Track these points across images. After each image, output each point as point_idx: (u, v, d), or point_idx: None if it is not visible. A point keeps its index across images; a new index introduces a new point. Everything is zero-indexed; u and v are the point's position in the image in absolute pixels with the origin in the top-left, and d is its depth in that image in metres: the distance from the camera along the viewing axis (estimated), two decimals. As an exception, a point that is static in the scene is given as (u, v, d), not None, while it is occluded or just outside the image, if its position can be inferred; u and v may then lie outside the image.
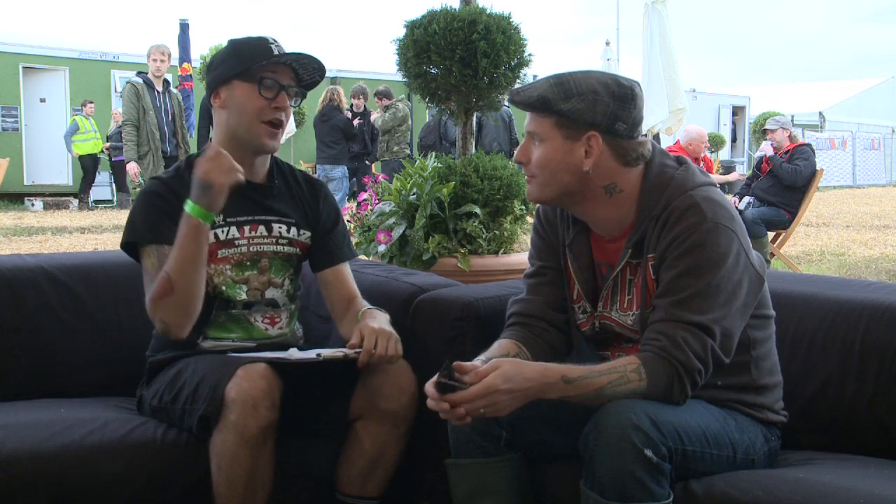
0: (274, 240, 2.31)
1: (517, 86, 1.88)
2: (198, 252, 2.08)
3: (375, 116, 10.53)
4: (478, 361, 1.82)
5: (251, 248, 2.28)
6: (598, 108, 1.81)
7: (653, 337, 1.79)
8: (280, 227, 2.32)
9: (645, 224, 1.87)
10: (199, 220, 2.05)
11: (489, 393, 1.68)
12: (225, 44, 2.30)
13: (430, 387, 1.74)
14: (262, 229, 2.29)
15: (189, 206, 2.05)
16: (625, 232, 1.92)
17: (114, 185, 16.96)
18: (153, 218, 2.18)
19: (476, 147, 4.45)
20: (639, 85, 1.86)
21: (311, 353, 2.10)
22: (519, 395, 1.71)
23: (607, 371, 1.75)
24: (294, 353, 2.12)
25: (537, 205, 2.09)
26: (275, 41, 2.22)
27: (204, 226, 2.07)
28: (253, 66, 2.18)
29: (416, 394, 2.15)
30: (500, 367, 1.71)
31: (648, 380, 1.75)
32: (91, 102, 16.39)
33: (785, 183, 7.47)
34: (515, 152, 1.95)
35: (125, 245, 2.24)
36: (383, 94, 10.68)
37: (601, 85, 1.83)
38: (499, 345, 1.98)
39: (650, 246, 1.86)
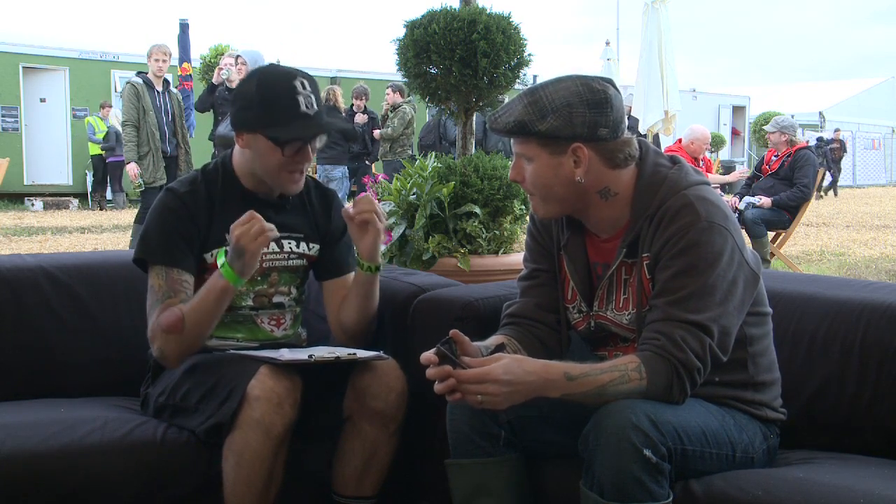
0: (285, 255, 2.32)
1: (495, 111, 1.87)
2: (217, 308, 2.12)
3: (379, 131, 10.45)
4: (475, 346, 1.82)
5: (263, 265, 2.28)
6: (576, 120, 1.81)
7: (651, 336, 1.80)
8: (290, 244, 2.33)
9: (639, 224, 1.88)
10: (227, 282, 2.08)
11: (486, 380, 1.68)
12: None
13: (428, 353, 1.73)
14: (273, 246, 2.29)
15: (223, 267, 2.07)
16: (620, 231, 1.93)
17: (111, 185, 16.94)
18: (166, 239, 2.19)
19: (481, 150, 4.44)
20: (613, 85, 1.85)
21: (303, 354, 2.10)
22: (519, 389, 1.70)
23: (609, 369, 1.75)
24: (285, 354, 2.12)
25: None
26: (303, 87, 2.15)
27: (231, 287, 2.09)
28: (279, 136, 2.15)
29: (405, 392, 2.16)
30: (501, 359, 1.71)
31: (649, 379, 1.75)
32: (109, 106, 16.32)
33: (798, 204, 7.45)
34: (509, 170, 1.95)
35: (136, 261, 2.25)
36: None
37: (574, 95, 1.81)
38: (494, 338, 1.98)
39: (645, 245, 1.87)
